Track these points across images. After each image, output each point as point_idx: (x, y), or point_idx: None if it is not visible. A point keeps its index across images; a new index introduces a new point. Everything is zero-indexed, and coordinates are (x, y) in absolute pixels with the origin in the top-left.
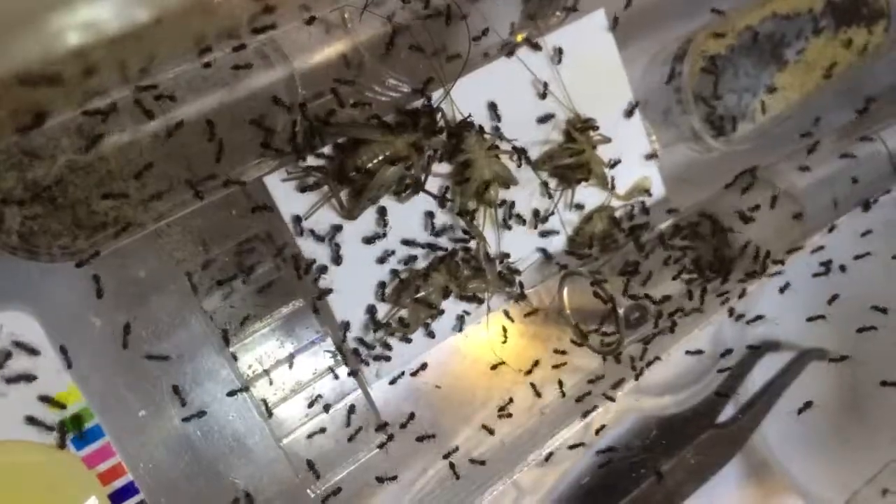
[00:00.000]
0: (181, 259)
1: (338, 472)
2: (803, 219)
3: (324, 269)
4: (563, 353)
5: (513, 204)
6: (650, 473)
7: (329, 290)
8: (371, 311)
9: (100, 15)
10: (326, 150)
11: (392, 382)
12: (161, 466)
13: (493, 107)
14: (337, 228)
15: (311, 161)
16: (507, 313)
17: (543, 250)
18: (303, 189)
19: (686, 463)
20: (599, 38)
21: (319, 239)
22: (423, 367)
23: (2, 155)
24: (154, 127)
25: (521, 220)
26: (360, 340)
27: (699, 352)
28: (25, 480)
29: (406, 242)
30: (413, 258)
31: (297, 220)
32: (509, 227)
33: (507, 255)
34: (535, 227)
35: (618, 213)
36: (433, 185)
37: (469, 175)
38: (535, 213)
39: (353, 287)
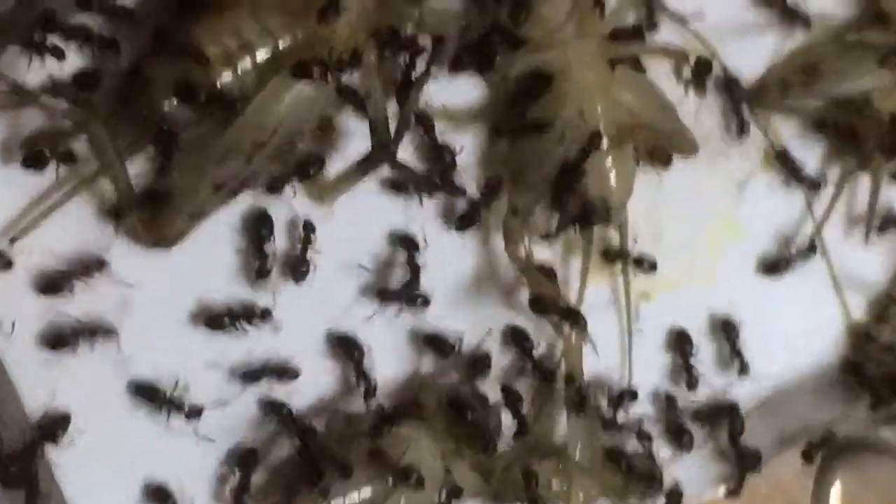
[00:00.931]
0: None
1: None
2: None
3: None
4: None
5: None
6: None
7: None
8: None
9: None
10: (95, 24)
11: None
12: None
13: None
14: (98, 272)
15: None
16: None
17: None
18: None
19: None
20: None
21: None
22: None
23: None
24: None
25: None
26: None
27: None
28: None
29: (339, 340)
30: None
31: None
32: (652, 266)
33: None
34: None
35: None
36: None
37: (548, 115)
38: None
39: (152, 461)
